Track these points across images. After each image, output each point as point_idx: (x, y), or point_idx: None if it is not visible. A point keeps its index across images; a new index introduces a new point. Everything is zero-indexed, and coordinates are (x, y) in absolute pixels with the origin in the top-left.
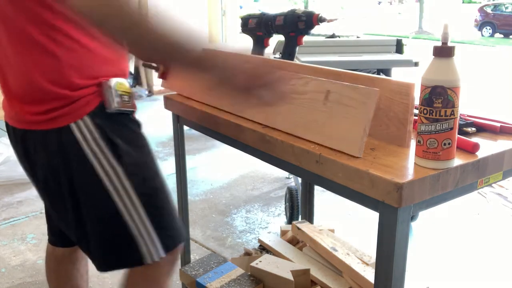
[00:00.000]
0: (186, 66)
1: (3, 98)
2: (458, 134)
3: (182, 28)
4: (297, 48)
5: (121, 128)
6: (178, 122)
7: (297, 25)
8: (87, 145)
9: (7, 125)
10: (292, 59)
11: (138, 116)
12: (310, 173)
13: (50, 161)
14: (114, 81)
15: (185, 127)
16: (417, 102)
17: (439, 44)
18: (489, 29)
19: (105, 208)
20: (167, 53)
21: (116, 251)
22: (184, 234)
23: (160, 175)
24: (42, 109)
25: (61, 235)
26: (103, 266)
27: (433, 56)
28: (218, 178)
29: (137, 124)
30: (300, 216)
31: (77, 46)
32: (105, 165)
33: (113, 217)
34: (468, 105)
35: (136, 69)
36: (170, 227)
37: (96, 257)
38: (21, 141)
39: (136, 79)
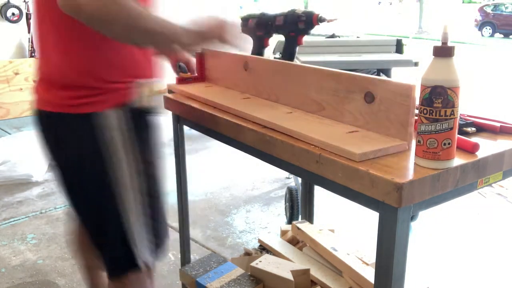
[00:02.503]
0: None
1: (37, 83)
2: (458, 134)
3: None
4: (297, 48)
5: (146, 126)
6: (178, 122)
7: (297, 25)
8: (110, 135)
9: (37, 111)
10: (292, 59)
11: None
12: (310, 173)
13: (70, 146)
14: (149, 81)
15: (185, 127)
16: (417, 102)
17: (439, 44)
18: (489, 29)
19: (111, 199)
20: (160, 39)
21: (118, 254)
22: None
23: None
24: (75, 95)
25: None
26: (111, 271)
27: (433, 56)
28: (218, 178)
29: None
30: (300, 216)
31: (112, 45)
32: (122, 158)
33: (115, 210)
34: (468, 105)
35: None
36: (160, 228)
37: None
38: (49, 124)
39: None
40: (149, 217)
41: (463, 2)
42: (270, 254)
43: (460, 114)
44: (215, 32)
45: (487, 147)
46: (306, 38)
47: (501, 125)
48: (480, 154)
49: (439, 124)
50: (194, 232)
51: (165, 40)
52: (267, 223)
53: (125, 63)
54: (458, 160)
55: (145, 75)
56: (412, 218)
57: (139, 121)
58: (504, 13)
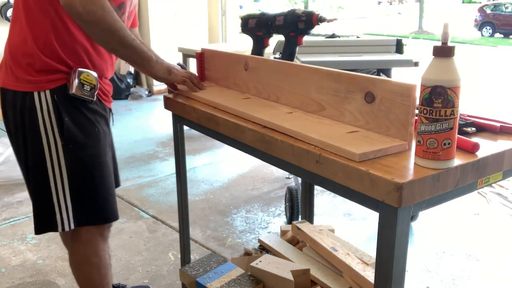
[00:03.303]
0: (141, 68)
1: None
2: (458, 134)
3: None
4: (297, 48)
5: (75, 111)
6: (178, 122)
7: (297, 25)
8: (41, 114)
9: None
10: (292, 59)
11: (137, 115)
12: (310, 173)
13: (15, 117)
14: (81, 71)
15: (185, 127)
16: (417, 102)
17: (439, 44)
18: (489, 29)
19: (38, 172)
20: (133, 57)
21: (39, 215)
22: (105, 220)
23: (98, 161)
24: (22, 63)
25: None
26: (35, 228)
27: (433, 56)
28: (218, 178)
29: (94, 113)
30: (300, 216)
31: (69, 32)
32: (50, 136)
33: (42, 182)
34: (468, 105)
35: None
36: (89, 207)
37: (33, 220)
38: (1, 99)
39: (136, 79)
40: (76, 192)
41: (463, 2)
42: (270, 254)
43: (460, 114)
44: (181, 75)
45: (487, 147)
46: (306, 38)
47: (501, 125)
48: (480, 154)
49: (439, 124)
50: (194, 232)
51: (137, 58)
52: (267, 223)
53: (74, 49)
54: (458, 160)
55: (87, 66)
56: (412, 218)
57: (69, 106)
58: (504, 13)
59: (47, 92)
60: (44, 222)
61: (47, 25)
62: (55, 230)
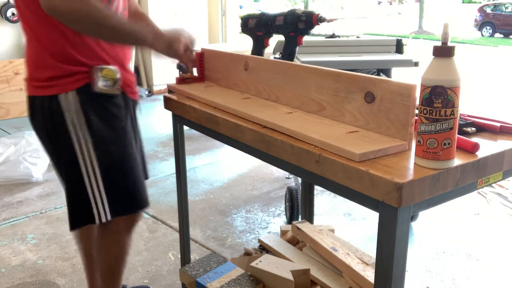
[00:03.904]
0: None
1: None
2: (458, 134)
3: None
4: (297, 48)
5: (100, 107)
6: (178, 122)
7: (297, 25)
8: (69, 114)
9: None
10: (292, 59)
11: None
12: (310, 173)
13: (44, 121)
14: (101, 67)
15: (185, 127)
16: (417, 102)
17: (439, 44)
18: (489, 29)
19: (72, 170)
20: (126, 39)
21: (76, 210)
22: (139, 207)
23: (126, 154)
24: (44, 77)
25: None
26: (71, 224)
27: (433, 56)
28: (218, 178)
29: (118, 107)
30: (300, 216)
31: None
32: (79, 134)
33: (76, 179)
34: (468, 105)
35: (136, 68)
36: (122, 197)
37: (68, 217)
38: (30, 106)
39: (136, 79)
40: (109, 183)
41: (463, 2)
42: (270, 254)
43: (460, 114)
44: (182, 50)
45: (487, 147)
46: (306, 38)
47: (501, 125)
48: (480, 154)
49: (439, 124)
50: (194, 232)
51: (133, 40)
52: (267, 223)
53: (90, 47)
54: (458, 160)
55: (105, 61)
56: (412, 218)
57: (94, 103)
58: (504, 13)
59: (72, 93)
60: (81, 216)
61: (56, 36)
62: (92, 222)
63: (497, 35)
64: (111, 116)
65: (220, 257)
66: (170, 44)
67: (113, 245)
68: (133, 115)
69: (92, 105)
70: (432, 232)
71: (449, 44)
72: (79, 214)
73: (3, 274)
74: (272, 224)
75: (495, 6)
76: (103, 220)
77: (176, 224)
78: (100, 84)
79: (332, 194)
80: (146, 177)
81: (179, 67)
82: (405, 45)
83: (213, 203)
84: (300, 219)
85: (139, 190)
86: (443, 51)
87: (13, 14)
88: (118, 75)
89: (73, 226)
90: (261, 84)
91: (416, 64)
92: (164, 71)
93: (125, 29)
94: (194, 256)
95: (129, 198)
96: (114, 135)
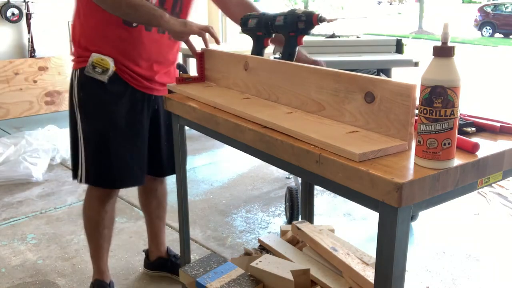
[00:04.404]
0: (156, 25)
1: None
2: (458, 134)
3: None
4: (297, 48)
5: (91, 89)
6: (178, 122)
7: (297, 25)
8: (71, 88)
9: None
10: (292, 59)
11: None
12: (310, 173)
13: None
14: (96, 55)
15: (185, 127)
16: (417, 102)
17: (439, 44)
18: (489, 29)
19: (74, 133)
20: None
21: (74, 165)
22: (110, 185)
23: (106, 135)
24: (75, 54)
25: None
26: (72, 175)
27: (433, 56)
28: (218, 178)
29: (112, 93)
30: (300, 216)
31: (93, 23)
32: (75, 106)
33: (74, 142)
34: (468, 105)
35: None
36: (96, 171)
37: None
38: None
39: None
40: (89, 153)
41: (463, 2)
42: (270, 254)
43: (460, 114)
44: (197, 26)
45: (487, 147)
46: (306, 38)
47: (501, 125)
48: (480, 154)
49: (439, 124)
50: (194, 232)
51: (151, 17)
52: (267, 223)
53: (94, 37)
54: (458, 160)
55: (106, 52)
56: (412, 218)
57: (87, 83)
58: (504, 13)
59: (77, 70)
60: (75, 171)
61: (78, 25)
62: (76, 179)
63: (497, 35)
64: (101, 99)
65: (220, 257)
66: (185, 22)
67: (85, 209)
68: (144, 108)
69: (85, 85)
70: (432, 232)
71: (449, 44)
72: (74, 169)
73: (3, 274)
74: (272, 224)
75: (495, 6)
76: (82, 182)
77: (176, 224)
78: (89, 69)
79: (332, 194)
80: (163, 174)
81: (179, 67)
82: (405, 45)
83: (213, 203)
84: (300, 219)
85: (111, 172)
86: (443, 51)
87: (13, 14)
88: (111, 66)
89: (73, 177)
90: (261, 84)
91: (416, 64)
92: None
93: (143, 5)
94: (194, 256)
95: (103, 173)
96: (98, 116)
